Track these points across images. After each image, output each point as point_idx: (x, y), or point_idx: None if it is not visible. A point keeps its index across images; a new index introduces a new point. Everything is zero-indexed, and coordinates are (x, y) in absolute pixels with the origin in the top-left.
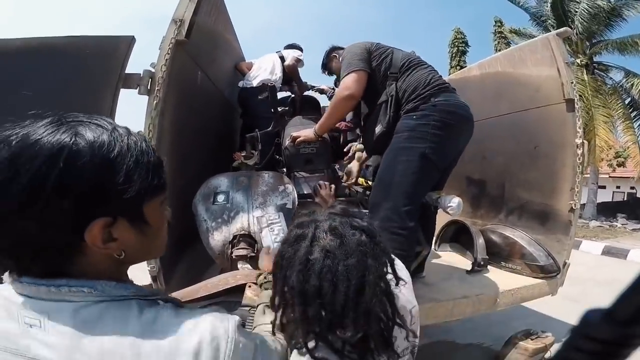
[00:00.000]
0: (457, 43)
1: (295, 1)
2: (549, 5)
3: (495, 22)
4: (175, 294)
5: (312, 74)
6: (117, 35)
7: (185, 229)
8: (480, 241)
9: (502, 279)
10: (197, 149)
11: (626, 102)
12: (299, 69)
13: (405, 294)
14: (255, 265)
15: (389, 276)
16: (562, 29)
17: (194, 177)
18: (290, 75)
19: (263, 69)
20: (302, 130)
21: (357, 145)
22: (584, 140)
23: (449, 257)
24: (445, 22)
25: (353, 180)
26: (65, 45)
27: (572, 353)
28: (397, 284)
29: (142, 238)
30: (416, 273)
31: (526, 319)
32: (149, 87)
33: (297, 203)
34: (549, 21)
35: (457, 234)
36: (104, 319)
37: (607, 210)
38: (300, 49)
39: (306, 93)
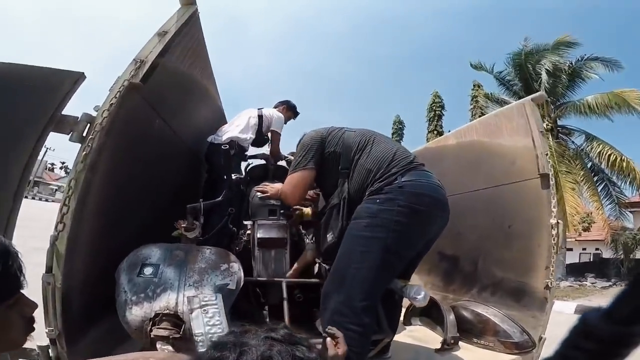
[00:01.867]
0: (434, 107)
1: (285, 57)
2: (512, 68)
3: (474, 85)
4: None
5: (303, 127)
6: (65, 70)
7: (106, 294)
8: (451, 318)
9: (474, 357)
10: (142, 206)
11: (588, 165)
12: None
13: None
14: (179, 347)
15: None
16: (537, 94)
17: (134, 237)
18: (272, 155)
19: (235, 125)
20: (272, 185)
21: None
22: (558, 221)
23: (418, 333)
24: (430, 85)
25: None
26: (4, 72)
27: (571, 351)
28: None
29: None
30: (382, 354)
31: None
32: (83, 134)
33: (242, 283)
34: (515, 86)
35: (428, 307)
36: None
37: (575, 271)
38: (292, 107)
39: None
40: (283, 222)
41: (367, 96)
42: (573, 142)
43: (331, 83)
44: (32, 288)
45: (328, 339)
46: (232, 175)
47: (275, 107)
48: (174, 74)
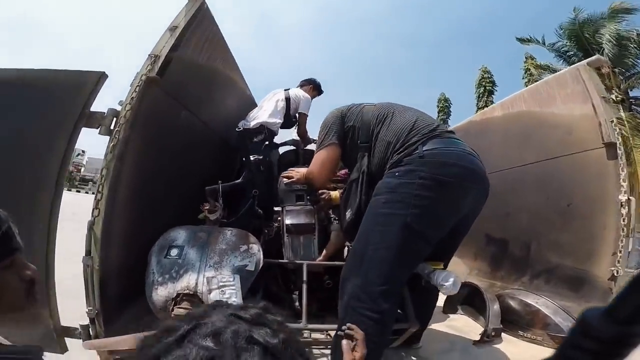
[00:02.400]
0: (483, 83)
1: (324, 42)
2: (567, 39)
3: (527, 58)
4: (101, 341)
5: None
6: (87, 70)
7: (141, 282)
8: (494, 307)
9: (516, 351)
10: (173, 195)
11: None
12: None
13: None
14: None
15: None
16: (593, 57)
17: (166, 227)
18: (300, 137)
19: (263, 109)
20: (297, 170)
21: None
22: (630, 197)
23: (457, 323)
24: (477, 61)
25: None
26: (35, 78)
27: (571, 351)
28: None
29: None
30: (411, 344)
31: None
32: (111, 127)
33: (261, 265)
34: (574, 57)
35: (471, 295)
36: None
37: None
38: (317, 86)
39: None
40: (310, 207)
41: (409, 77)
42: None
43: (371, 66)
44: None
45: (344, 341)
46: (251, 156)
47: (301, 86)
48: (192, 66)
